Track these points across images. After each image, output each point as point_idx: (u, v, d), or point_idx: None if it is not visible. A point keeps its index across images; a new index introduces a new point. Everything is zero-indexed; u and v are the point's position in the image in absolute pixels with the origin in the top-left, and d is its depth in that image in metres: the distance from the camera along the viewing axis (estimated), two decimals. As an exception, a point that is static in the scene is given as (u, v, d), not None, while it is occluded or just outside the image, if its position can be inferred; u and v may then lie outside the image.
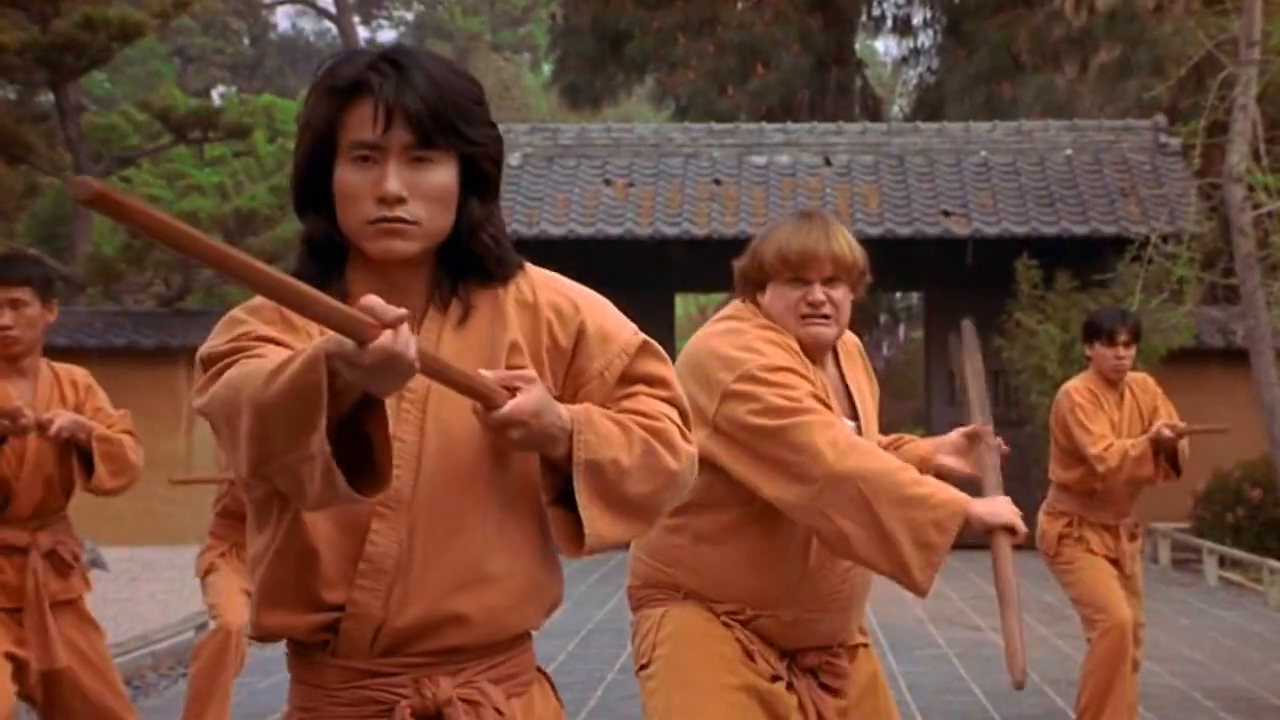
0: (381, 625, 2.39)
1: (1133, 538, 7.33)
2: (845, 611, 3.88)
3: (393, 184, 2.33)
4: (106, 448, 5.46)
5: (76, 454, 5.46)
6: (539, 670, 2.63)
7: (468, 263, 2.44)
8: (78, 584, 5.63)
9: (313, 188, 2.41)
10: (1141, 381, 7.52)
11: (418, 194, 2.35)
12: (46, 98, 25.80)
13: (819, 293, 3.85)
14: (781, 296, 3.88)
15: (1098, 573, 7.17)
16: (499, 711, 2.45)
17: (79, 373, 5.70)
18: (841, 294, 3.89)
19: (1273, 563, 14.65)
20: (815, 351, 3.91)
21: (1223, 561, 16.08)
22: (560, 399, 2.43)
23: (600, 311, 2.57)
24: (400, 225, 2.35)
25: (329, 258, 2.43)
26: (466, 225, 2.41)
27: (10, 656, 5.33)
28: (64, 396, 5.53)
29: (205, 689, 6.98)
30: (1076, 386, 7.29)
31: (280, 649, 2.53)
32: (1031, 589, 14.91)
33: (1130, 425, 7.32)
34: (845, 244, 3.88)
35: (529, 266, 2.56)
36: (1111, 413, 7.31)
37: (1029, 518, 15.43)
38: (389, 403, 2.20)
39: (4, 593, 5.40)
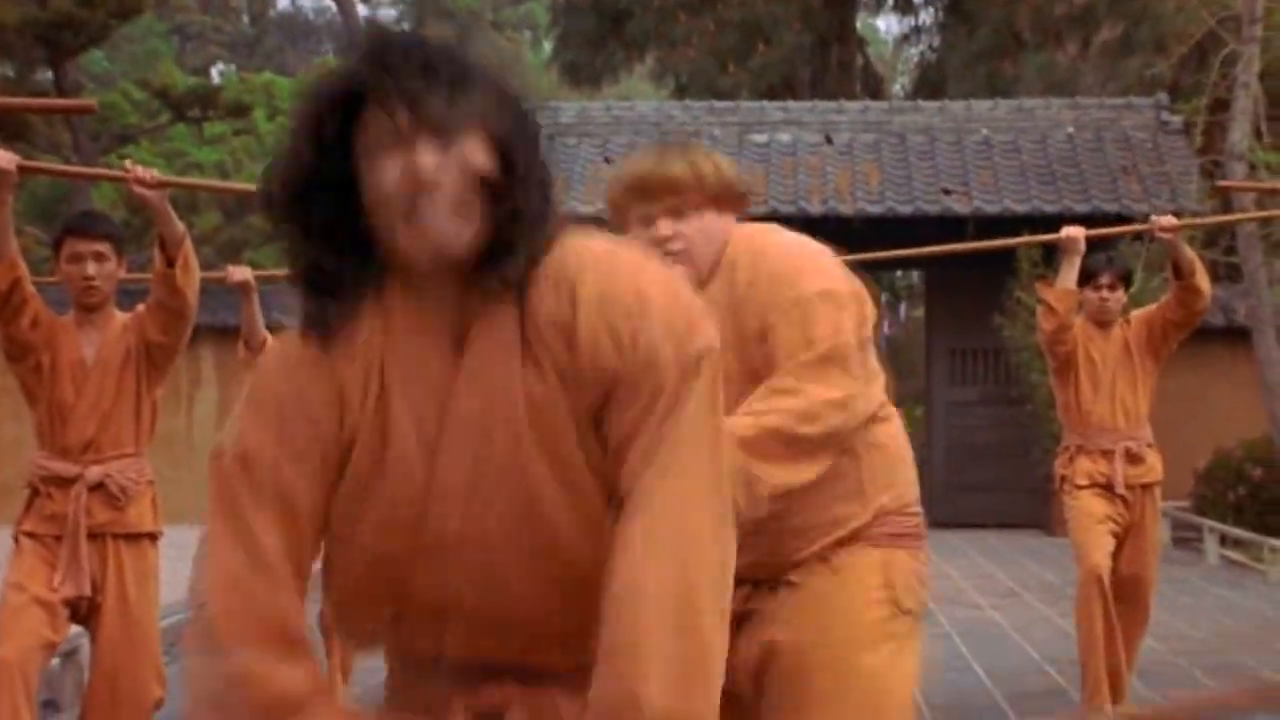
0: None
1: (1134, 461, 7.42)
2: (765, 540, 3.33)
3: None
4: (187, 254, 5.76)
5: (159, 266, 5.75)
6: None
7: None
8: (136, 518, 5.90)
9: None
10: (1139, 317, 7.65)
11: None
12: (45, 75, 25.73)
13: (663, 227, 3.40)
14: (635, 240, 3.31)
15: (1081, 518, 7.36)
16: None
17: (139, 308, 5.98)
18: (694, 226, 3.40)
19: (1273, 541, 14.64)
20: None
21: (1224, 540, 16.06)
22: None
23: None
24: None
25: None
26: None
27: (51, 603, 5.67)
28: (129, 344, 5.86)
29: None
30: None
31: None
32: (1034, 568, 14.91)
33: (1119, 362, 7.47)
34: (686, 164, 3.40)
35: None
36: (1097, 349, 7.50)
37: (1030, 493, 15.49)
38: None
39: (54, 521, 5.75)
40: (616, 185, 3.46)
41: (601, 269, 2.22)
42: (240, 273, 7.41)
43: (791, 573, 3.47)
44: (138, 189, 5.63)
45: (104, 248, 5.80)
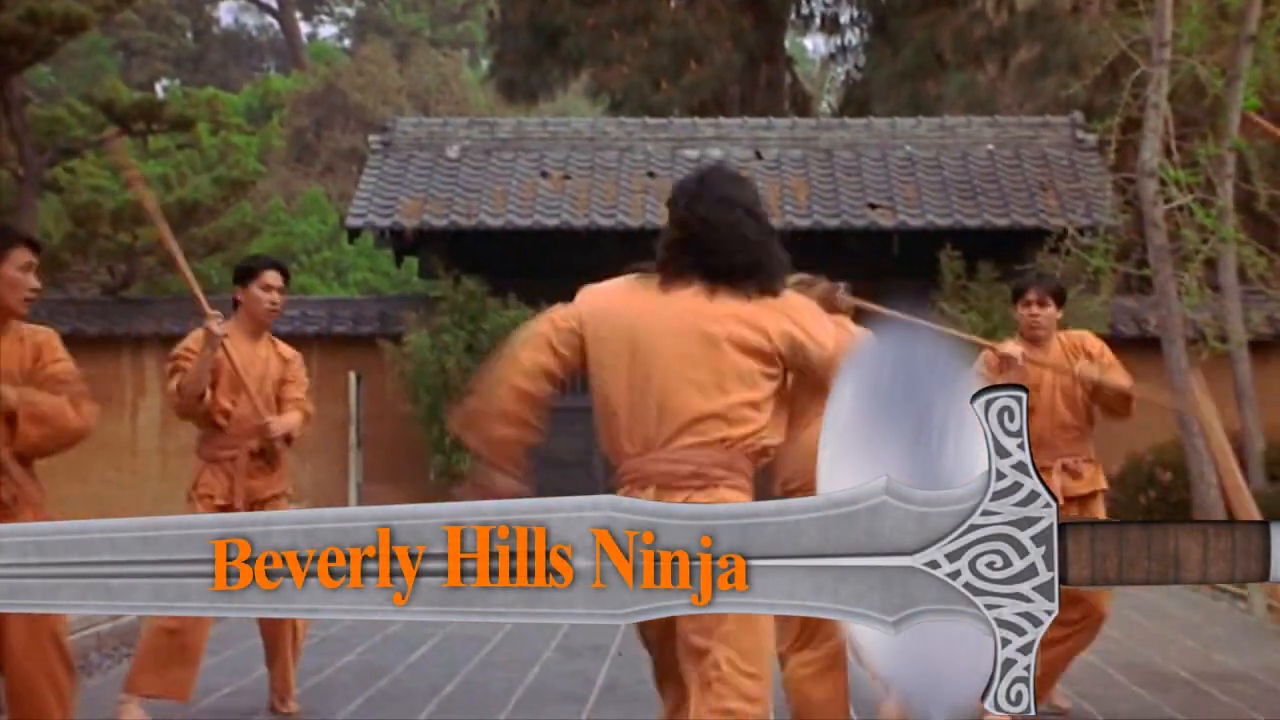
0: None
1: (1073, 475, 7.48)
2: None
3: None
4: (30, 408, 5.55)
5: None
6: None
7: None
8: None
9: None
10: (1077, 339, 7.61)
11: None
12: (-11, 90, 25.85)
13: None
14: None
15: None
16: None
17: (41, 334, 5.82)
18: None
19: (1180, 541, 15.05)
20: None
21: (1135, 541, 16.47)
22: None
23: None
24: None
25: None
26: None
27: None
28: (22, 359, 5.65)
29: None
30: (992, 350, 7.40)
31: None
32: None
33: (1057, 378, 7.42)
34: None
35: None
36: (1034, 367, 7.33)
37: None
38: None
39: None
40: None
41: None
42: (216, 325, 7.34)
43: None
44: None
45: (33, 258, 5.74)
